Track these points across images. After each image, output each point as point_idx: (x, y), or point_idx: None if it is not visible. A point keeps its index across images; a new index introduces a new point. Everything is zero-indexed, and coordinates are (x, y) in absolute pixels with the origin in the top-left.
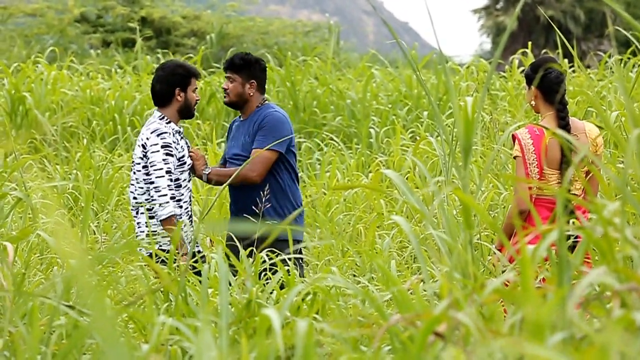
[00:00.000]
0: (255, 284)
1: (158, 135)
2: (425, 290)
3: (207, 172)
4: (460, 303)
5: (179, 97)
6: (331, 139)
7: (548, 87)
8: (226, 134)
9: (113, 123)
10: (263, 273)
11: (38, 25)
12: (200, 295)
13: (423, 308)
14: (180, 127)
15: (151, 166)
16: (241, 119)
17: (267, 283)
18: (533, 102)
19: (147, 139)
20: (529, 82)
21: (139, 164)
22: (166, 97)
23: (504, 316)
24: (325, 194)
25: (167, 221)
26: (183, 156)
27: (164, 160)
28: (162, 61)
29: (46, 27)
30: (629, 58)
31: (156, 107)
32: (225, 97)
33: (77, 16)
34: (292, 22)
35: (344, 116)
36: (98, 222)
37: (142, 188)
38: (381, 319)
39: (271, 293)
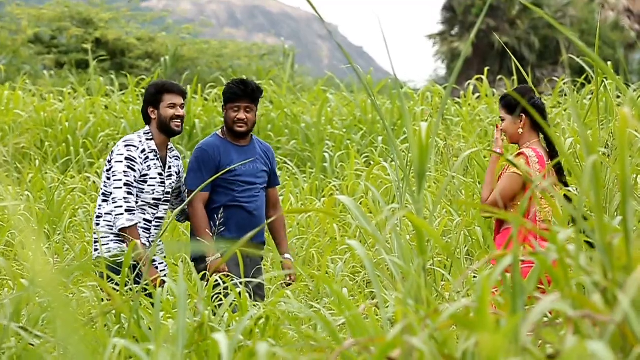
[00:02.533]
0: (208, 306)
1: (126, 146)
2: (378, 315)
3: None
4: (414, 328)
5: (152, 115)
6: (285, 162)
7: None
8: (215, 156)
9: (66, 144)
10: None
11: None
12: (152, 318)
13: (377, 333)
14: (172, 149)
15: (112, 175)
16: (237, 144)
17: (221, 305)
18: (521, 130)
19: (117, 147)
20: (512, 110)
21: (107, 170)
22: (145, 115)
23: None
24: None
25: (124, 232)
26: (146, 175)
27: (124, 172)
28: (116, 83)
29: None
30: (582, 84)
31: None
32: (242, 126)
33: (31, 37)
34: (247, 45)
35: (299, 140)
36: (50, 244)
37: (100, 198)
38: (334, 344)
39: (223, 316)
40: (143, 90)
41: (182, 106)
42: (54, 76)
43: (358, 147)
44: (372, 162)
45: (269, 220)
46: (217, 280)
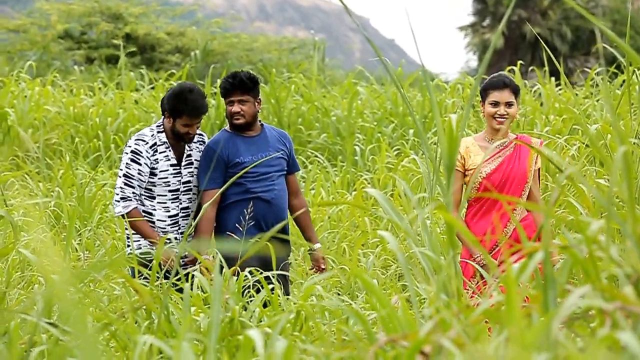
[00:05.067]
0: (239, 301)
1: (135, 140)
2: (411, 308)
3: (318, 246)
4: (447, 322)
5: (167, 121)
6: (316, 156)
7: None
8: (222, 152)
9: (96, 140)
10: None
11: (21, 41)
12: (182, 313)
13: (410, 328)
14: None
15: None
16: (244, 134)
17: (251, 300)
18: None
19: (129, 140)
20: (517, 96)
21: None
22: (162, 111)
23: (489, 334)
24: (309, 211)
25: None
26: (154, 168)
27: (126, 164)
28: (146, 77)
29: (29, 44)
30: (614, 73)
31: None
32: (238, 119)
33: (61, 32)
34: (277, 39)
35: (329, 133)
36: (80, 240)
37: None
38: (366, 338)
39: (254, 311)
40: (173, 84)
41: (198, 124)
42: (84, 72)
43: (389, 140)
44: (403, 155)
45: (295, 215)
46: (246, 276)
